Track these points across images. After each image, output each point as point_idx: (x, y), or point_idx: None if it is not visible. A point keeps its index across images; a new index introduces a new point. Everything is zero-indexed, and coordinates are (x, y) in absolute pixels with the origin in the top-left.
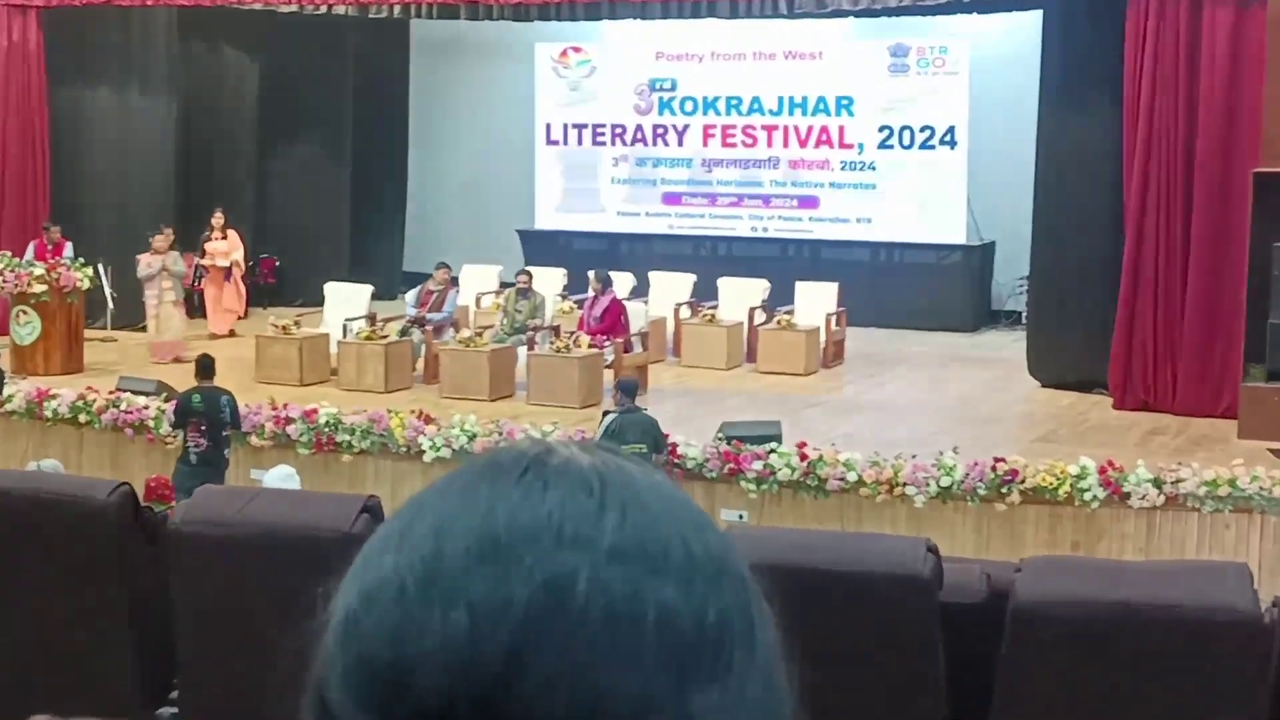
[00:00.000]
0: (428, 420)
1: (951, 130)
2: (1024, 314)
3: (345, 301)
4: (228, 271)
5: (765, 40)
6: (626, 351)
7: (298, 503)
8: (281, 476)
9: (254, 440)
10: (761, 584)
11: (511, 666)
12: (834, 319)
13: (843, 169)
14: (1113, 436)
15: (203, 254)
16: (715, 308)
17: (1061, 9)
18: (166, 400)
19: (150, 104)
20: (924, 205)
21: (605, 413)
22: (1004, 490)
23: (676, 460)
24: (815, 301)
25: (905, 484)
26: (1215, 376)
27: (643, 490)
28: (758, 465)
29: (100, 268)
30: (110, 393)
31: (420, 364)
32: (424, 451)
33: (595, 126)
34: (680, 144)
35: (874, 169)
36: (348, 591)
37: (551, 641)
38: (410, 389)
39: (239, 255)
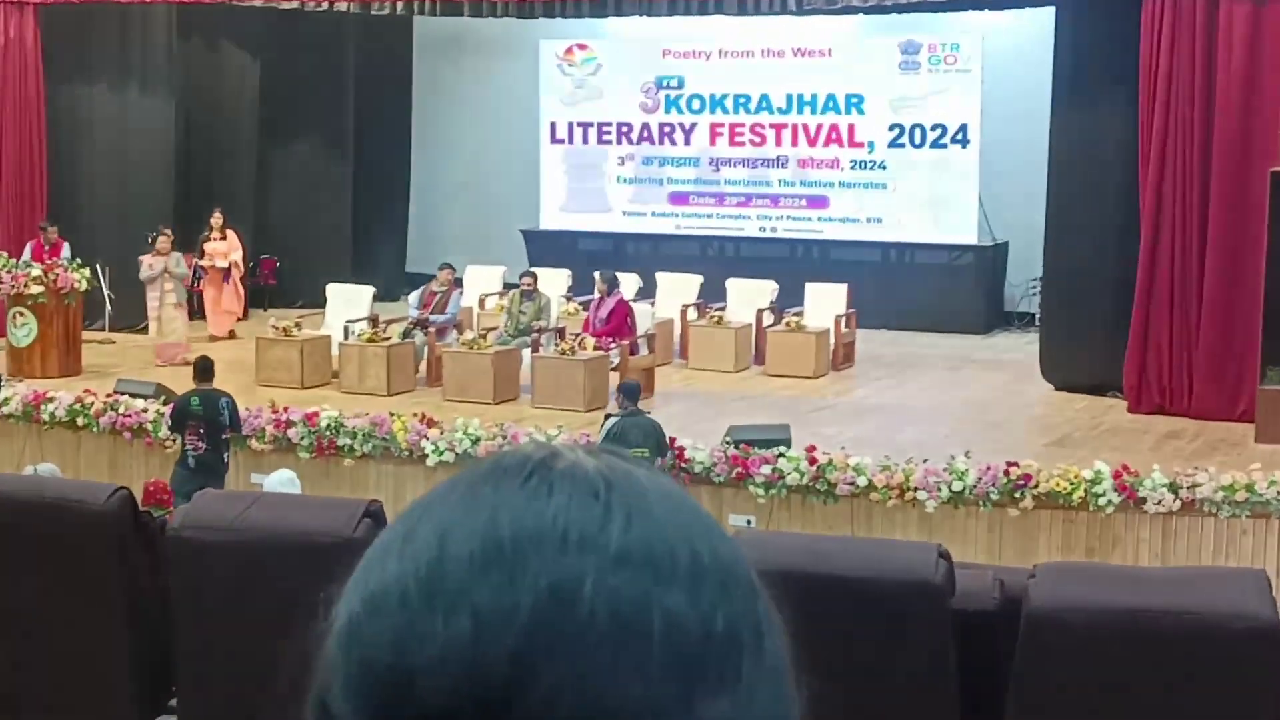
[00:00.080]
0: (431, 424)
1: (963, 128)
2: (1037, 315)
3: (347, 303)
4: (226, 272)
5: (774, 37)
6: (633, 354)
7: (298, 507)
8: (282, 481)
9: (254, 444)
10: (770, 590)
11: (516, 674)
12: (844, 321)
13: (853, 168)
14: (1128, 440)
15: (201, 254)
16: (723, 309)
17: (1075, 4)
18: (165, 403)
19: (149, 102)
20: (935, 205)
21: (607, 416)
22: (1017, 495)
23: (683, 464)
24: (825, 303)
25: (916, 489)
26: (1232, 379)
27: (649, 495)
28: (766, 469)
29: (98, 268)
30: (108, 395)
31: (423, 366)
32: (427, 455)
33: (601, 125)
34: (687, 143)
35: (884, 168)
36: (350, 597)
37: (556, 648)
38: (413, 392)
39: (238, 256)
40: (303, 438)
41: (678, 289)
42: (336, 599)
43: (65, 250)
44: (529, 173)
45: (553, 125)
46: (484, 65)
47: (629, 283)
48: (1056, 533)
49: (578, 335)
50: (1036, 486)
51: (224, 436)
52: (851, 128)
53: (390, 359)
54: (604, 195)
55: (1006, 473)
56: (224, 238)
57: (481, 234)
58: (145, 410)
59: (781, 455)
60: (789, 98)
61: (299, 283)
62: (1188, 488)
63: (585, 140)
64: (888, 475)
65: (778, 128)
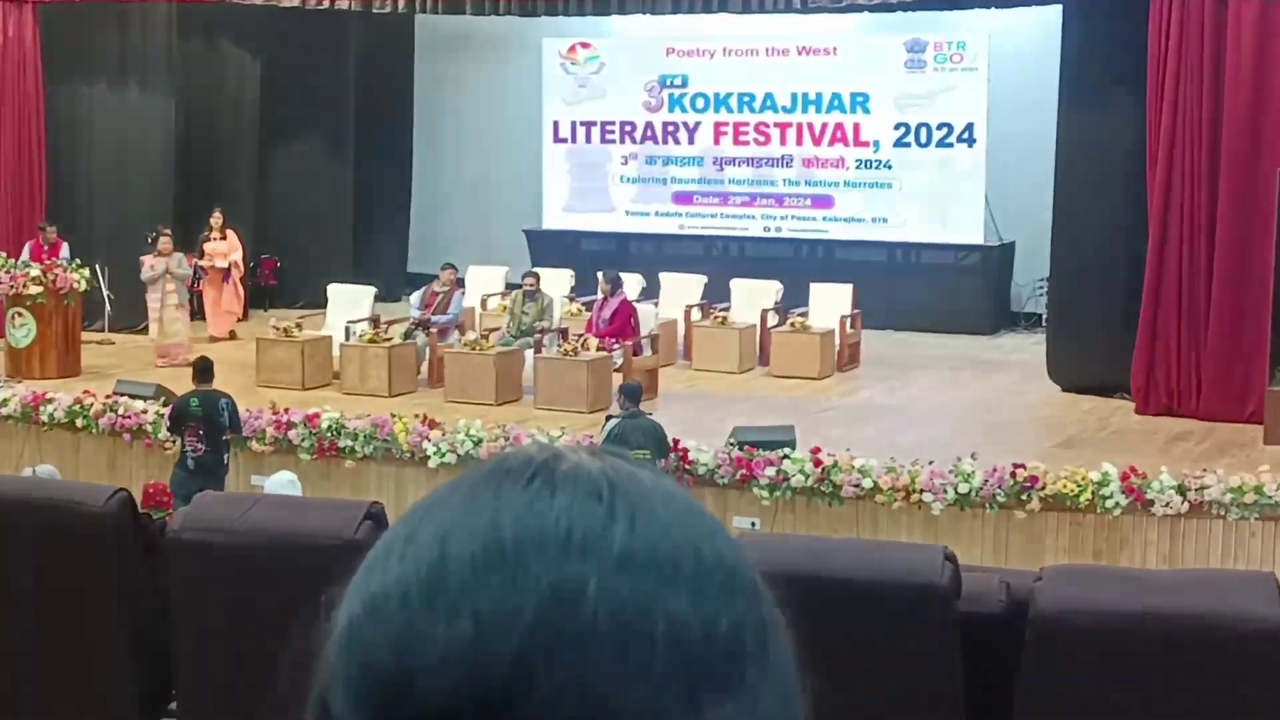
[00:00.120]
0: (432, 425)
1: (970, 127)
2: (1044, 316)
3: (348, 303)
4: (226, 273)
5: (778, 35)
6: (636, 354)
7: (299, 509)
8: (282, 482)
9: (254, 445)
10: (774, 593)
11: (518, 677)
12: (849, 321)
13: (858, 167)
14: (1135, 442)
15: (201, 254)
16: (727, 310)
17: (1082, 2)
18: (165, 404)
19: (149, 101)
20: (941, 204)
21: (608, 417)
22: (1024, 497)
23: (687, 466)
24: (830, 303)
25: (922, 491)
26: (1241, 380)
27: (653, 497)
28: (770, 471)
29: (97, 269)
30: (107, 396)
31: (425, 367)
32: (428, 457)
33: (604, 124)
34: (691, 142)
35: (890, 167)
36: (351, 600)
37: (559, 652)
38: (415, 393)
39: (238, 256)
40: (303, 439)
41: (681, 289)
42: (337, 601)
43: (64, 250)
44: (532, 172)
45: (555, 124)
46: (486, 64)
47: (632, 283)
48: (1063, 535)
49: (581, 336)
50: (1043, 488)
51: (224, 438)
52: (857, 127)
53: (392, 360)
54: (607, 195)
55: (1013, 475)
56: (224, 237)
57: (484, 234)
58: (145, 411)
59: (786, 457)
60: (793, 96)
61: (300, 283)
62: (1196, 490)
63: (588, 139)
64: (893, 477)
65: (782, 127)
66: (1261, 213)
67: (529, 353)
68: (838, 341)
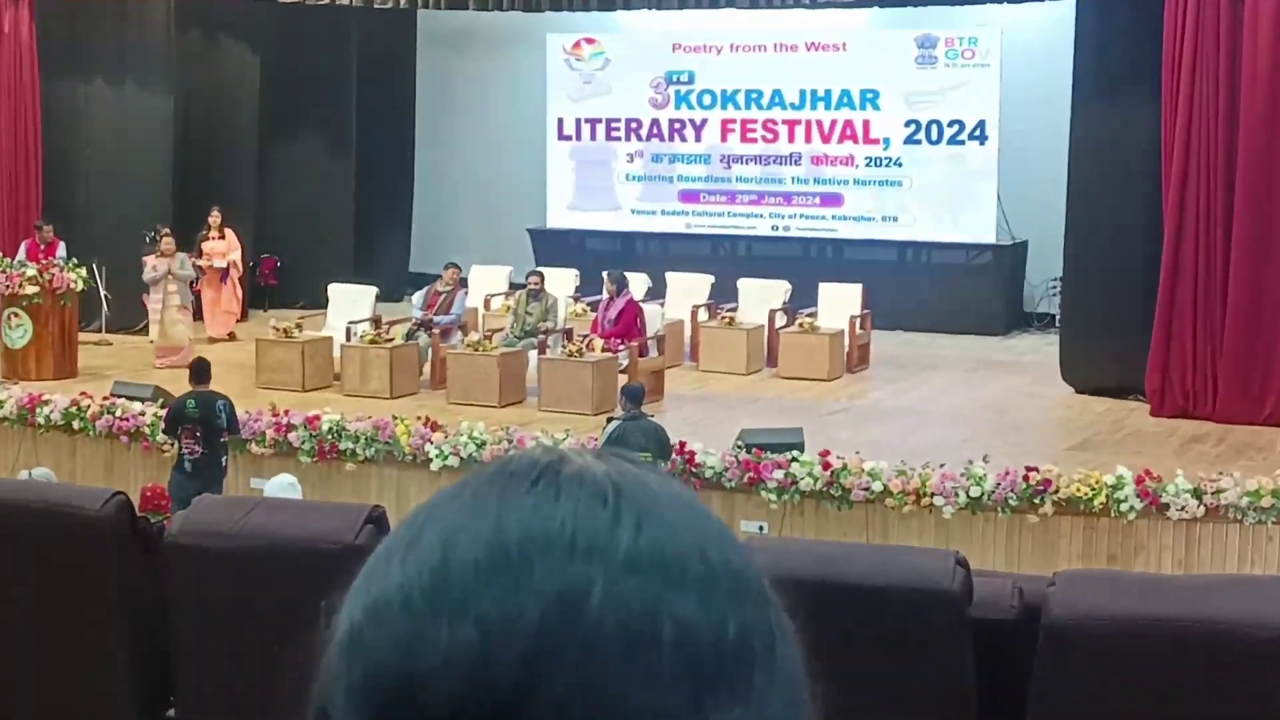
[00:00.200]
0: (435, 427)
1: (981, 124)
2: (1057, 316)
3: (349, 303)
4: (225, 272)
5: (786, 31)
6: (642, 356)
7: (299, 513)
8: (282, 486)
9: (254, 448)
10: (783, 598)
11: (523, 684)
12: (858, 322)
13: (868, 165)
14: (1150, 445)
15: (199, 254)
16: (735, 310)
17: None
18: (163, 406)
19: (147, 98)
20: (953, 203)
21: (609, 419)
22: (1036, 501)
23: (694, 469)
24: (839, 303)
25: (933, 494)
26: (1258, 382)
27: (659, 500)
28: (779, 474)
29: (94, 268)
30: (105, 398)
31: (427, 368)
32: (431, 460)
33: (609, 121)
34: (698, 139)
35: (900, 165)
36: (352, 605)
37: (564, 658)
38: (417, 394)
39: (237, 255)
40: (304, 441)
41: (688, 289)
42: (338, 607)
43: (61, 249)
44: (536, 170)
45: (560, 121)
46: (490, 60)
47: (638, 283)
48: (1077, 540)
49: (586, 337)
50: (1056, 492)
51: (221, 440)
52: (866, 124)
53: (393, 361)
54: (612, 193)
55: (1026, 478)
56: (222, 237)
57: (487, 233)
58: (143, 413)
59: (794, 460)
60: (802, 93)
61: (300, 283)
62: (1212, 493)
63: (593, 137)
64: (903, 480)
65: (791, 124)
66: (1279, 211)
67: (533, 354)
68: (847, 342)
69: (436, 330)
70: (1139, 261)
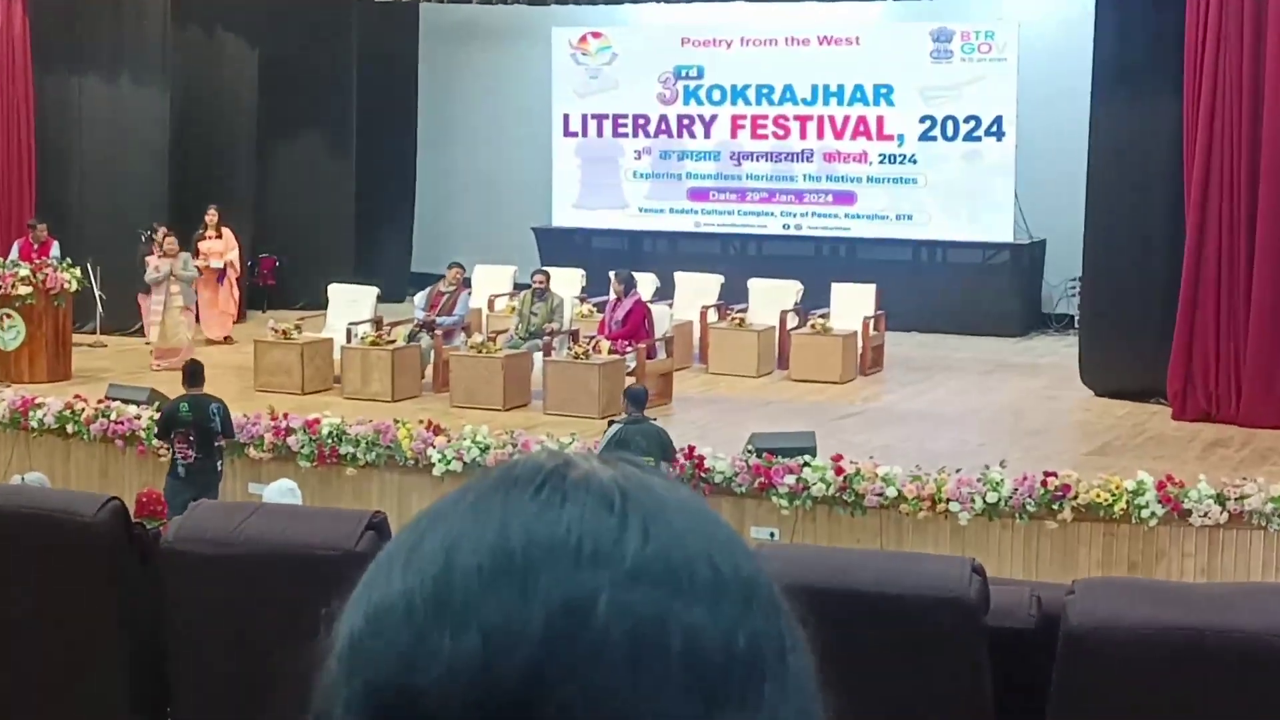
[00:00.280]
0: (437, 431)
1: (998, 121)
2: (1076, 318)
3: (350, 304)
4: (221, 273)
5: (798, 24)
6: (650, 357)
7: (298, 519)
8: (281, 491)
9: (252, 452)
10: (794, 607)
11: (527, 694)
12: (872, 323)
13: (881, 162)
14: (1172, 449)
15: (196, 254)
16: (745, 311)
17: None
18: (159, 409)
19: (143, 94)
20: (969, 201)
21: (610, 422)
22: (1055, 507)
23: (703, 474)
24: (852, 304)
25: (949, 500)
26: None
27: (667, 505)
28: (790, 479)
29: (89, 268)
30: (99, 401)
31: (429, 371)
32: (433, 464)
33: (616, 117)
34: (707, 136)
35: (915, 162)
36: (352, 613)
37: (569, 667)
38: (419, 397)
39: (234, 255)
40: (303, 446)
41: (697, 289)
42: (338, 615)
43: (54, 249)
44: (541, 167)
45: (566, 117)
46: (494, 55)
47: (646, 283)
48: (1097, 546)
49: (592, 338)
50: (1076, 498)
51: (216, 444)
52: (880, 120)
53: (395, 363)
54: (620, 191)
55: (1044, 483)
56: (219, 236)
57: (491, 232)
58: (138, 417)
59: (806, 464)
60: (814, 88)
61: (299, 283)
62: (1235, 499)
63: (600, 133)
64: (918, 486)
65: (802, 120)
66: None
67: (538, 355)
68: (860, 344)
69: (439, 331)
70: (1160, 261)
